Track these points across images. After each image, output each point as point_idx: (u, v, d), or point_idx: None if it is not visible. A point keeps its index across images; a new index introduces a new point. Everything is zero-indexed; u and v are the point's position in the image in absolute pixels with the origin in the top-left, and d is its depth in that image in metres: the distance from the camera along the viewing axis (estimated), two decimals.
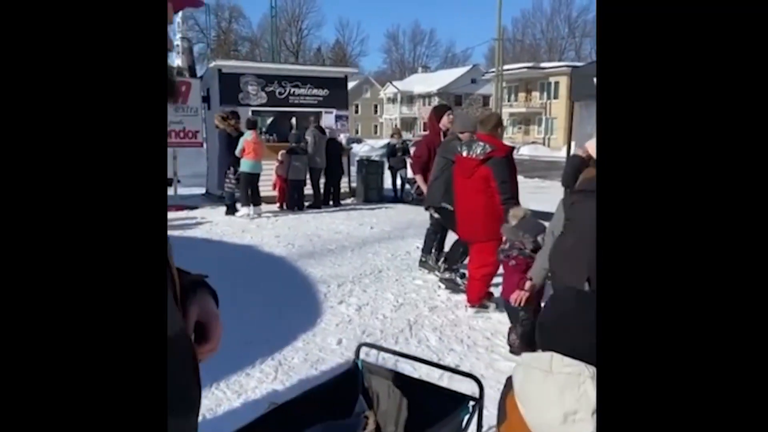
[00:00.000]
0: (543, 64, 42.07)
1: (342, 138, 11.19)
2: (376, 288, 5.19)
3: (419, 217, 9.13)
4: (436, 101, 50.06)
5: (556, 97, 39.33)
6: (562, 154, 34.03)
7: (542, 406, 1.34)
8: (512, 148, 4.44)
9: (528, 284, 3.38)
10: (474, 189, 4.28)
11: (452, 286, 5.05)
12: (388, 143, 13.73)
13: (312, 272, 5.72)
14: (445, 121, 5.56)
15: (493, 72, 40.55)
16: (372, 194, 11.05)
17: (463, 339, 4.01)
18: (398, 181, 11.75)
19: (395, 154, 11.74)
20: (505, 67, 36.57)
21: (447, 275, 5.15)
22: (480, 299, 4.51)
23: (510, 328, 3.79)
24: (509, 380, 1.50)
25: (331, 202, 10.47)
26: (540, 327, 1.43)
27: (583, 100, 7.20)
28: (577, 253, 3.03)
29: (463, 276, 5.10)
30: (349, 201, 11.05)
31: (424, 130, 47.61)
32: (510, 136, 40.34)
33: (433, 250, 5.69)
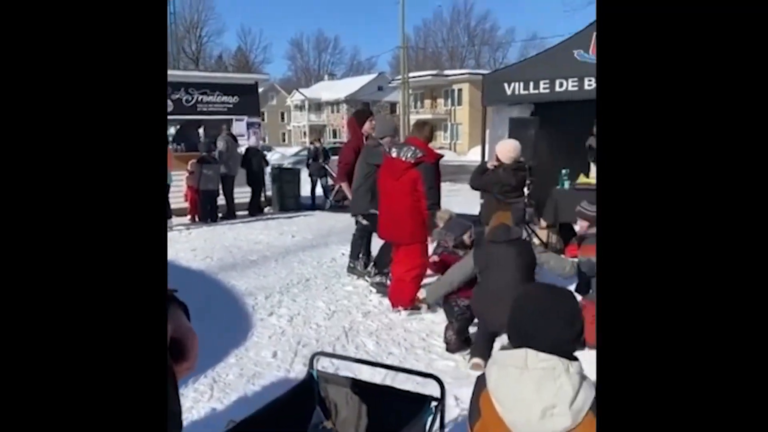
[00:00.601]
0: (446, 72, 43.35)
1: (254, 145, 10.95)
2: (306, 297, 5.09)
3: (340, 223, 9.11)
4: (344, 108, 50.24)
5: (459, 104, 40.66)
6: (467, 158, 35.29)
7: (520, 402, 1.36)
8: (441, 156, 4.54)
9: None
10: (401, 191, 4.31)
11: (384, 290, 5.05)
12: (309, 148, 13.55)
13: (236, 285, 5.51)
14: (367, 127, 5.56)
15: (399, 79, 41.28)
16: (289, 203, 10.87)
17: (399, 342, 4.01)
18: (318, 189, 11.61)
19: (317, 159, 11.58)
20: (411, 74, 37.39)
21: (378, 279, 5.15)
22: (412, 301, 4.54)
23: (446, 326, 3.85)
24: (481, 379, 1.50)
25: (246, 212, 10.21)
26: (513, 324, 1.45)
27: (494, 105, 7.47)
28: (503, 297, 3.23)
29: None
30: (264, 210, 10.80)
31: (334, 137, 47.29)
32: None
33: (360, 256, 5.68)
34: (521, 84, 6.97)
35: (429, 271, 4.68)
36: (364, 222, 5.32)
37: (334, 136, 49.96)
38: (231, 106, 10.77)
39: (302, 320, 4.48)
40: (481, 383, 1.48)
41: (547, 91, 6.84)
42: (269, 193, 11.15)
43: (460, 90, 40.54)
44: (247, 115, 10.99)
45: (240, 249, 7.22)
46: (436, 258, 4.49)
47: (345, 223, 9.09)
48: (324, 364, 3.10)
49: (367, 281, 5.40)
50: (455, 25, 65.00)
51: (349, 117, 6.27)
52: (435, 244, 4.22)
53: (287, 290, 5.31)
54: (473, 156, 35.26)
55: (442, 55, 64.87)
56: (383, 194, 4.54)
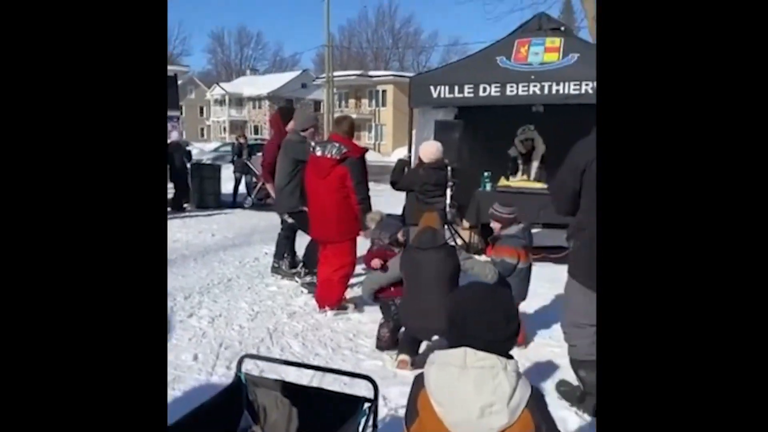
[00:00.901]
0: (371, 73, 43.58)
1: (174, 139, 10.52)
2: (228, 298, 4.93)
3: (263, 222, 8.93)
4: (266, 105, 49.31)
5: (384, 105, 40.97)
6: (392, 158, 35.50)
7: (459, 402, 1.36)
8: (366, 150, 4.53)
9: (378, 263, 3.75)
10: (329, 189, 4.27)
11: (315, 290, 4.97)
12: (233, 144, 13.15)
13: None
14: (292, 125, 5.47)
15: (323, 78, 41.03)
16: (209, 200, 10.51)
17: (326, 342, 3.96)
18: (242, 186, 11.27)
19: (241, 155, 11.23)
20: (336, 73, 37.22)
21: (308, 279, 5.07)
22: (339, 301, 4.51)
23: (381, 323, 3.85)
24: (419, 379, 1.50)
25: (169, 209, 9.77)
26: (452, 323, 1.45)
27: (420, 107, 7.56)
28: (429, 309, 3.27)
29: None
30: (184, 208, 10.39)
31: (256, 133, 46.04)
32: None
33: (285, 255, 5.57)
34: (447, 87, 7.10)
35: (361, 269, 4.67)
36: (290, 220, 5.23)
37: (256, 132, 48.93)
38: None
39: (224, 322, 4.33)
40: (418, 383, 1.47)
41: (472, 95, 7.01)
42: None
43: (384, 91, 40.86)
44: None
45: None
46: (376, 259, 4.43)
47: (268, 221, 8.94)
48: (248, 367, 3.01)
49: (296, 282, 5.31)
50: (380, 26, 65.54)
51: (273, 114, 6.14)
52: (370, 242, 4.23)
53: (208, 291, 5.13)
54: (397, 157, 35.68)
55: (367, 56, 65.16)
56: (311, 194, 4.47)
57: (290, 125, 5.45)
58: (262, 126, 49.87)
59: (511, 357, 1.41)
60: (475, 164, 7.57)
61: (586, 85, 6.56)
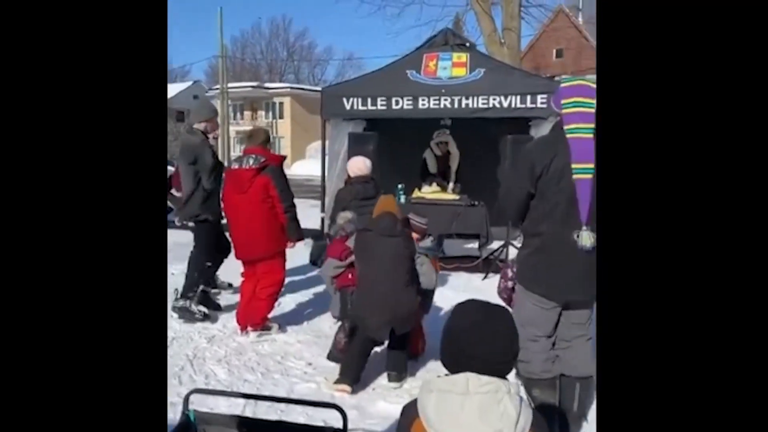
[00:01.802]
0: (267, 84, 42.78)
1: None
2: None
3: (178, 239, 8.39)
4: None
5: (281, 117, 40.34)
6: (292, 171, 34.98)
7: (464, 431, 1.28)
8: (284, 158, 4.37)
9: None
10: (251, 202, 4.05)
11: (187, 316, 4.61)
12: None
13: None
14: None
15: (217, 89, 39.71)
16: None
17: (253, 367, 3.74)
18: None
19: None
20: (231, 84, 36.20)
21: (181, 303, 4.65)
22: (264, 321, 4.28)
23: (338, 328, 3.69)
24: (410, 409, 1.40)
25: None
26: (450, 347, 1.37)
27: (333, 118, 7.46)
28: (386, 300, 3.17)
29: (202, 301, 4.73)
30: None
31: None
32: (237, 154, 39.99)
33: (195, 275, 5.23)
34: (359, 99, 7.08)
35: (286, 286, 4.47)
36: (191, 224, 4.84)
37: None
38: None
39: None
40: (410, 413, 1.37)
41: (384, 107, 7.04)
42: None
43: (281, 103, 40.26)
44: None
45: None
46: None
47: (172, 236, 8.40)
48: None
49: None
50: (274, 38, 64.69)
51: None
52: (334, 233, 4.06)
53: None
54: (298, 170, 35.16)
55: (261, 68, 64.09)
56: (231, 212, 4.22)
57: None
58: None
59: (507, 379, 1.35)
60: (387, 176, 7.59)
61: (494, 99, 6.81)
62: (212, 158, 4.68)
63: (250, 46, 65.55)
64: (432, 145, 7.51)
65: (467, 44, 7.82)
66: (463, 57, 7.44)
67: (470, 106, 6.87)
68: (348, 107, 7.12)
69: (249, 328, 4.25)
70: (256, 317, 4.23)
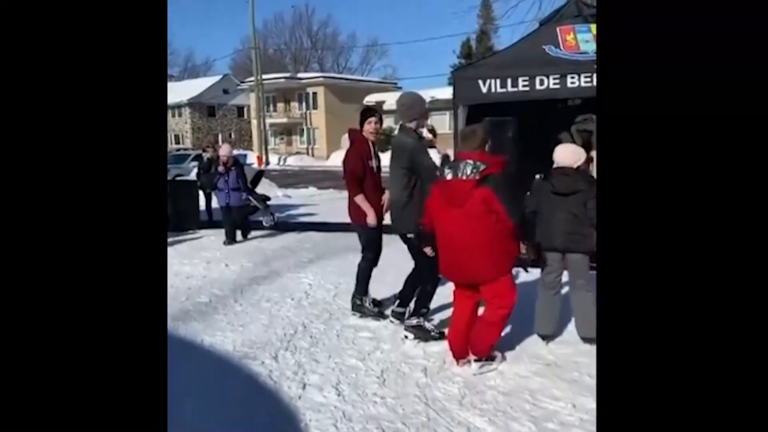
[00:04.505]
0: (300, 75, 42.04)
1: None
2: (327, 354, 3.86)
3: (264, 243, 7.79)
4: (187, 112, 46.57)
5: (315, 108, 39.63)
6: (329, 163, 34.52)
7: None
8: (506, 161, 3.63)
9: None
10: (469, 218, 3.31)
11: (422, 335, 4.00)
12: (200, 157, 11.64)
13: (209, 342, 4.07)
14: (368, 129, 4.46)
15: (248, 82, 39.14)
16: (190, 221, 9.11)
17: (508, 412, 3.03)
18: (214, 203, 9.88)
19: (210, 169, 9.80)
20: (264, 76, 35.59)
21: (415, 321, 4.06)
22: (490, 349, 3.57)
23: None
24: None
25: None
26: None
27: (467, 104, 6.68)
28: None
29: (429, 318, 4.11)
30: None
31: (176, 143, 43.93)
32: (273, 147, 39.44)
33: (368, 290, 4.55)
34: (497, 81, 6.30)
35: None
36: (409, 241, 4.18)
37: (177, 141, 46.06)
38: None
39: (354, 391, 3.28)
40: None
41: (527, 89, 6.26)
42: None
43: (315, 93, 39.54)
44: None
45: (173, 287, 5.57)
46: None
47: (270, 242, 7.82)
48: None
49: (392, 322, 4.30)
50: (297, 27, 63.81)
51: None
52: None
53: (293, 346, 4.01)
54: (335, 161, 34.53)
55: (285, 58, 63.34)
56: (442, 229, 3.48)
57: (366, 129, 4.43)
58: (184, 135, 47.07)
59: None
60: (524, 166, 6.82)
61: None
62: (431, 161, 4.01)
63: (272, 36, 64.88)
64: (573, 131, 6.70)
65: None
66: None
67: None
68: (485, 90, 6.34)
69: (470, 357, 3.54)
70: (483, 344, 3.50)
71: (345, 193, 4.66)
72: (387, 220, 4.37)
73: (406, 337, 4.04)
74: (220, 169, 8.11)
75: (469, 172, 3.31)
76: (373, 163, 4.46)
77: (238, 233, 8.26)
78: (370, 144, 4.46)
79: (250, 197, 8.78)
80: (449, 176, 3.39)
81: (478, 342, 3.51)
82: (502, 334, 3.61)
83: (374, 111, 4.53)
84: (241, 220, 8.32)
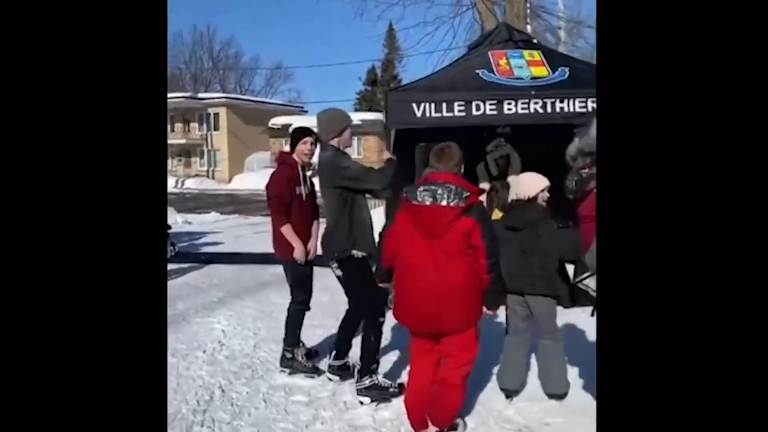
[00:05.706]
0: (201, 95, 40.16)
1: None
2: (258, 429, 3.10)
3: (175, 281, 6.80)
4: None
5: (216, 129, 37.98)
6: (232, 186, 32.94)
7: None
8: (482, 191, 3.10)
9: None
10: (447, 253, 2.77)
11: (380, 395, 3.35)
12: None
13: None
14: (302, 149, 3.83)
15: None
16: None
17: None
18: None
19: None
20: None
21: (368, 382, 3.38)
22: (454, 418, 2.99)
23: None
24: None
25: None
26: None
27: (399, 127, 6.18)
28: None
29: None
30: None
31: None
32: (171, 169, 37.21)
33: (300, 341, 3.85)
34: (432, 105, 5.83)
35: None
36: (338, 272, 3.54)
37: None
38: None
39: None
40: None
41: (463, 114, 5.84)
42: None
43: (216, 114, 37.92)
44: None
45: None
46: None
47: (182, 279, 6.85)
48: None
49: (330, 379, 3.62)
50: (197, 47, 61.51)
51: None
52: None
53: (210, 419, 3.21)
54: (238, 184, 33.07)
55: (185, 77, 60.71)
56: (408, 266, 2.89)
57: (299, 149, 3.81)
58: None
59: None
60: None
61: (592, 102, 5.81)
62: (352, 161, 3.46)
63: (171, 56, 62.04)
64: (489, 161, 6.28)
65: (535, 41, 6.85)
66: (536, 55, 6.46)
67: (565, 110, 5.82)
68: (419, 114, 5.87)
69: (432, 427, 2.94)
70: (445, 414, 2.90)
71: (251, 219, 3.98)
72: (320, 252, 3.72)
73: (361, 403, 3.36)
74: None
75: (451, 197, 2.74)
76: (303, 190, 3.82)
77: None
78: (299, 168, 3.81)
79: None
80: (427, 201, 2.79)
81: (439, 410, 2.90)
82: None
83: (309, 131, 3.89)
84: None
